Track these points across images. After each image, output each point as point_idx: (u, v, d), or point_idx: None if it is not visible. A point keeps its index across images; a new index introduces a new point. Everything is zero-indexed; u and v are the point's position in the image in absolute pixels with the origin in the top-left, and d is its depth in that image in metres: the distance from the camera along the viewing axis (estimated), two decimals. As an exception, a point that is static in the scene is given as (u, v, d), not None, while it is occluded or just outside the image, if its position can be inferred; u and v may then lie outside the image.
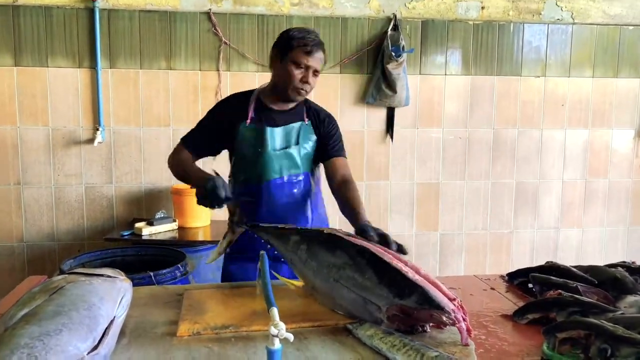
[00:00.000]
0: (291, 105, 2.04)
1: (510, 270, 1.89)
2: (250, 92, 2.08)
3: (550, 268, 1.74)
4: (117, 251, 2.67)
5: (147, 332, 1.34)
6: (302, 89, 1.95)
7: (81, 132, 3.49)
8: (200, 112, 3.55)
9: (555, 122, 3.98)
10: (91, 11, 3.39)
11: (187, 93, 3.56)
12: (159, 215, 3.29)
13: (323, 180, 2.13)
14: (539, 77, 3.92)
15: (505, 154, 3.95)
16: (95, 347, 1.08)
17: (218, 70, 3.55)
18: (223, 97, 2.18)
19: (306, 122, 2.05)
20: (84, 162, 3.51)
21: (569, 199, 4.07)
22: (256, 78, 3.59)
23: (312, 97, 3.72)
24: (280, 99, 2.02)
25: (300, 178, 2.04)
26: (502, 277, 1.88)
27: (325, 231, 1.56)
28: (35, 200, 3.50)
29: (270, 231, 1.69)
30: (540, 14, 3.85)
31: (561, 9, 3.87)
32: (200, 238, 3.24)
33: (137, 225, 3.17)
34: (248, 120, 2.00)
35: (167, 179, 3.59)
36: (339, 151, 2.07)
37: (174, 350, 1.24)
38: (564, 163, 4.03)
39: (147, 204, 3.58)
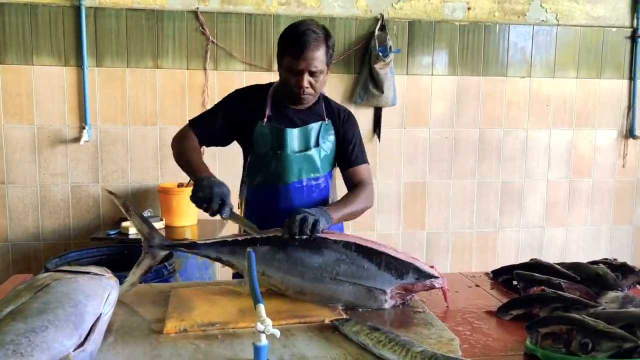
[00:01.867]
0: (309, 104, 1.94)
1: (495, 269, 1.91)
2: (268, 86, 1.98)
3: (534, 265, 1.77)
4: (104, 250, 2.66)
5: (134, 330, 1.34)
6: (301, 95, 1.84)
7: (67, 131, 3.47)
8: (187, 110, 3.55)
9: (540, 122, 4.03)
10: (77, 9, 3.37)
11: (174, 92, 3.55)
12: (145, 214, 3.28)
13: (338, 178, 2.10)
14: (524, 77, 3.97)
15: (491, 153, 3.99)
16: (82, 344, 1.08)
17: (205, 69, 3.55)
18: (239, 88, 2.01)
19: (326, 122, 1.95)
20: (69, 161, 3.49)
21: (554, 199, 4.12)
22: (244, 77, 3.59)
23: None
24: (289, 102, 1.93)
25: (320, 181, 1.97)
26: (487, 274, 1.91)
27: (279, 234, 1.54)
28: (20, 200, 3.47)
29: (216, 249, 1.59)
30: (525, 15, 3.90)
31: (546, 11, 3.92)
32: (188, 237, 3.23)
33: (124, 224, 3.15)
34: (265, 119, 1.90)
35: (153, 178, 3.58)
36: (359, 158, 1.98)
37: (160, 347, 1.25)
38: (548, 163, 4.08)
39: (134, 203, 3.50)
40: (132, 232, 3.10)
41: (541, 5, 3.91)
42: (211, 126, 1.95)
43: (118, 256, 2.60)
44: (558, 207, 4.14)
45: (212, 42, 3.52)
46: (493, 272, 1.89)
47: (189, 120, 1.99)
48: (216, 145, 2.02)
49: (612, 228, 4.24)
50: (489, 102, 3.94)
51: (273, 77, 3.59)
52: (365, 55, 3.67)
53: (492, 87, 3.93)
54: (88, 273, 1.34)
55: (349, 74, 3.72)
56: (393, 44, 3.66)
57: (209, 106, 3.52)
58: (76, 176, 3.51)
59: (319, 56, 1.78)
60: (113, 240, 3.06)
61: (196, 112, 3.51)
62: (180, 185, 3.38)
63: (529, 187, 4.08)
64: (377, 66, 3.57)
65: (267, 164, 1.92)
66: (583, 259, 2.31)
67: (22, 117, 3.42)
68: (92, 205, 3.54)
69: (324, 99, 2.01)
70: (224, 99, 1.98)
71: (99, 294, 1.26)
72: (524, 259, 2.09)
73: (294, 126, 1.91)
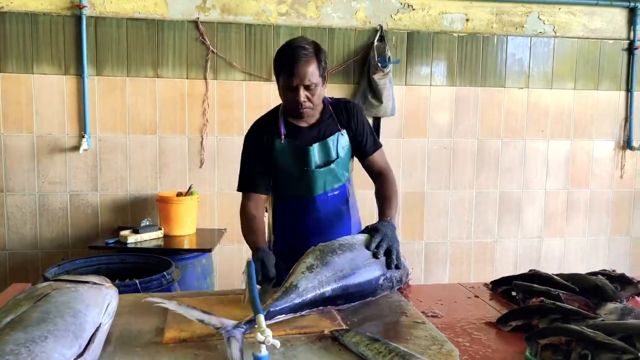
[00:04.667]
0: (316, 118, 1.99)
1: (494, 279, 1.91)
2: (273, 111, 2.05)
3: (533, 276, 1.77)
4: (102, 259, 2.65)
5: (133, 340, 1.34)
6: (301, 110, 1.88)
7: (66, 140, 3.47)
8: (187, 120, 3.56)
9: (538, 132, 4.04)
10: (78, 18, 3.38)
11: (174, 101, 3.56)
12: (144, 223, 3.28)
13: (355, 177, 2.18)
14: (522, 88, 3.99)
15: (489, 164, 4.00)
16: (81, 354, 1.08)
17: (205, 78, 3.56)
18: (246, 133, 2.08)
19: (342, 132, 2.00)
20: (69, 170, 3.49)
21: (552, 209, 4.13)
22: (243, 87, 3.61)
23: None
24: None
25: (342, 190, 2.06)
26: (486, 285, 1.91)
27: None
28: (18, 208, 3.46)
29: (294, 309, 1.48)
30: (523, 27, 3.93)
31: (543, 23, 3.95)
32: (186, 246, 3.23)
33: (122, 233, 3.15)
34: (282, 138, 1.96)
35: (152, 187, 3.58)
36: (373, 146, 2.06)
37: (160, 357, 1.24)
38: (546, 173, 4.10)
39: (132, 212, 3.56)
40: (131, 240, 3.10)
41: (539, 17, 3.94)
42: (251, 176, 2.02)
43: (117, 265, 2.60)
44: (556, 218, 4.15)
45: (212, 51, 3.54)
46: (492, 282, 1.89)
47: (237, 189, 2.06)
48: (269, 186, 2.06)
49: (610, 239, 4.25)
50: (487, 112, 3.96)
51: (272, 86, 3.63)
52: (364, 65, 3.69)
53: (490, 98, 3.95)
54: (88, 282, 1.34)
55: (348, 84, 3.74)
56: (392, 54, 3.68)
57: (208, 115, 3.57)
58: (75, 185, 3.50)
59: (311, 71, 1.83)
60: (111, 249, 3.05)
61: (196, 121, 3.57)
62: (179, 194, 3.38)
63: (527, 198, 4.09)
64: (376, 76, 3.59)
65: (295, 179, 2.00)
66: (581, 269, 2.32)
67: (21, 126, 3.42)
68: (91, 214, 3.53)
69: (330, 104, 2.04)
70: (243, 149, 2.06)
71: (98, 303, 1.26)
72: (523, 269, 2.10)
73: (313, 142, 1.97)
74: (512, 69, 3.96)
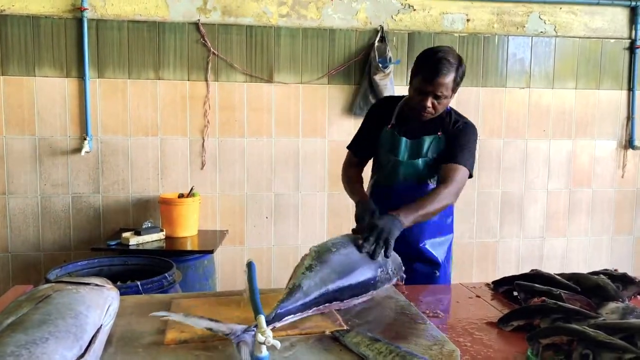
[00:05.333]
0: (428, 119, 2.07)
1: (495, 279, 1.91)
2: (400, 98, 2.19)
3: (535, 276, 1.77)
4: (104, 261, 2.65)
5: (134, 341, 1.34)
6: (424, 113, 2.00)
7: (68, 142, 3.48)
8: (188, 121, 3.57)
9: (540, 132, 4.04)
10: (79, 21, 3.39)
11: (175, 103, 3.57)
12: (146, 225, 3.28)
13: None
14: (523, 88, 3.99)
15: (490, 164, 3.99)
16: (82, 356, 1.08)
17: (206, 80, 3.57)
18: (374, 102, 2.32)
19: (439, 135, 2.08)
20: (70, 172, 3.50)
21: (554, 209, 4.12)
22: (244, 88, 3.61)
23: (300, 109, 3.75)
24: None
25: (424, 188, 2.10)
26: (487, 285, 1.90)
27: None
28: (20, 210, 3.47)
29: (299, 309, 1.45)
30: (524, 26, 3.93)
31: (544, 22, 3.94)
32: (188, 248, 3.23)
33: (124, 235, 3.15)
34: (389, 126, 2.14)
35: (154, 189, 3.59)
36: (455, 156, 2.03)
37: (161, 358, 1.24)
38: (548, 173, 4.09)
39: (134, 214, 3.57)
40: (133, 242, 3.10)
41: (540, 17, 3.93)
42: (361, 142, 2.25)
43: (119, 267, 2.60)
44: (558, 218, 4.14)
45: (213, 53, 3.55)
46: (494, 282, 1.89)
47: (347, 147, 2.31)
48: (372, 156, 2.28)
49: (612, 238, 4.24)
50: (488, 112, 3.95)
51: (273, 88, 3.64)
52: (365, 66, 3.69)
53: (491, 98, 3.95)
54: (89, 284, 1.34)
55: (349, 85, 3.74)
56: (393, 55, 3.69)
57: (209, 117, 3.58)
58: (77, 187, 3.51)
59: (447, 83, 1.94)
60: (113, 251, 3.06)
61: (197, 123, 3.58)
62: (181, 195, 3.39)
63: (529, 198, 4.08)
64: (377, 77, 3.59)
65: (384, 167, 2.18)
66: (583, 269, 2.32)
67: (23, 128, 3.43)
68: (93, 216, 3.54)
69: (449, 112, 2.12)
70: (366, 115, 2.28)
71: (99, 305, 1.26)
72: (525, 269, 2.10)
73: (412, 137, 2.10)
74: (513, 69, 3.95)
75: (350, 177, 2.22)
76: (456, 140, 2.06)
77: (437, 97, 1.96)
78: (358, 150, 2.25)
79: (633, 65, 4.07)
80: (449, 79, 1.93)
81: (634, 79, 4.08)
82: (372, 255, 1.61)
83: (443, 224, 2.21)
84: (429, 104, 1.96)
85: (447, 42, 3.82)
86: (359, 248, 1.61)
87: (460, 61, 2.00)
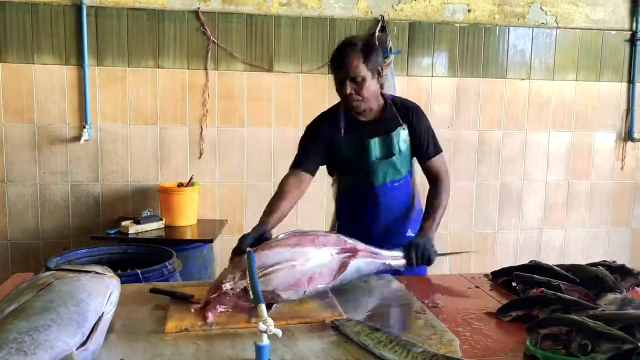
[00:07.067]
0: (376, 113, 2.08)
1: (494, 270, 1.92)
2: (335, 107, 2.14)
3: (533, 267, 1.77)
4: (104, 249, 2.65)
5: (135, 329, 1.35)
6: (350, 103, 1.99)
7: (67, 130, 3.47)
8: (187, 110, 3.56)
9: (540, 124, 4.04)
10: (78, 8, 3.37)
11: (174, 91, 3.55)
12: (145, 213, 3.28)
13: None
14: (523, 79, 3.98)
15: (490, 155, 3.99)
16: (84, 343, 1.09)
17: (206, 69, 3.55)
18: (309, 123, 2.21)
19: (403, 127, 2.08)
20: (70, 160, 3.49)
21: (552, 200, 4.13)
22: (244, 77, 3.60)
23: (300, 98, 3.73)
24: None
25: (402, 182, 2.13)
26: (486, 275, 1.91)
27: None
28: (19, 198, 3.47)
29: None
30: (525, 17, 3.91)
31: (545, 13, 3.93)
32: (187, 237, 3.23)
33: (124, 223, 3.16)
34: (342, 131, 2.07)
35: (153, 178, 3.58)
36: (432, 151, 2.12)
37: (161, 346, 1.25)
38: (547, 165, 4.09)
39: (133, 203, 3.57)
40: (132, 231, 3.11)
41: (541, 8, 3.92)
42: (312, 157, 2.10)
43: (118, 255, 2.60)
44: (557, 209, 4.15)
45: (213, 42, 3.53)
46: (492, 273, 1.90)
47: (292, 165, 2.11)
48: (314, 167, 2.12)
49: (610, 230, 4.25)
50: (488, 103, 3.95)
51: (273, 77, 3.62)
52: (366, 56, 3.67)
53: (491, 89, 3.94)
54: (90, 272, 1.34)
55: (349, 75, 3.72)
56: (393, 45, 3.67)
57: (209, 106, 3.57)
58: (76, 175, 3.51)
59: (356, 64, 1.93)
60: (113, 239, 3.06)
61: (196, 112, 3.57)
62: (180, 184, 3.39)
63: (528, 189, 4.09)
64: (377, 67, 3.57)
65: (355, 171, 2.11)
66: (581, 260, 2.33)
67: (22, 116, 3.42)
68: (92, 204, 3.54)
69: (392, 101, 2.12)
70: (302, 136, 2.16)
71: (101, 292, 1.27)
72: (523, 260, 2.10)
73: (374, 135, 2.06)
74: (513, 60, 3.94)
75: (283, 188, 2.01)
76: (419, 131, 2.10)
77: (354, 81, 1.95)
78: (303, 163, 2.07)
79: (633, 57, 4.06)
80: (355, 60, 1.93)
81: (634, 71, 4.07)
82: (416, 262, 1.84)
83: (420, 208, 2.23)
84: (349, 90, 1.95)
85: (447, 32, 3.81)
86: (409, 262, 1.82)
87: (367, 41, 2.00)
